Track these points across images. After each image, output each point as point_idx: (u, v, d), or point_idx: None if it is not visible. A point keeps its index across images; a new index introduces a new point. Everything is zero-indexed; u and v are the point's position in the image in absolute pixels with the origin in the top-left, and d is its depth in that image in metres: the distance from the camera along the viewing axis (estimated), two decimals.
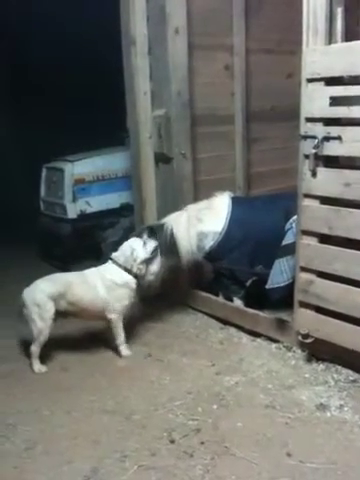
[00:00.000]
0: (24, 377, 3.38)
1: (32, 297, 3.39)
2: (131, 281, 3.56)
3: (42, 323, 3.36)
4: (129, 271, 3.55)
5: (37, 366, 3.42)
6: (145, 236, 3.67)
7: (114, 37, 4.22)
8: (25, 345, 3.63)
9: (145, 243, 3.62)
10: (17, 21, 7.46)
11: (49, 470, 2.49)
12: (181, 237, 3.83)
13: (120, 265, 3.56)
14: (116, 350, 3.59)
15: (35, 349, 3.41)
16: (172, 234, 3.81)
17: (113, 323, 3.56)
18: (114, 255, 3.63)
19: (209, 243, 3.86)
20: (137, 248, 3.58)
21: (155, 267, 3.70)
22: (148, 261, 3.64)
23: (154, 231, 3.75)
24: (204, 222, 3.88)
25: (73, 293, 3.45)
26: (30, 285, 3.48)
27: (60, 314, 3.46)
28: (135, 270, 3.55)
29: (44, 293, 3.38)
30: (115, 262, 3.59)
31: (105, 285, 3.51)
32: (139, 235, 3.72)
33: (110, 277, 3.53)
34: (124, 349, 3.58)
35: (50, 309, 3.37)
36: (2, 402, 3.10)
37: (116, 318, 3.55)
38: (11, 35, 7.81)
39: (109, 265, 3.61)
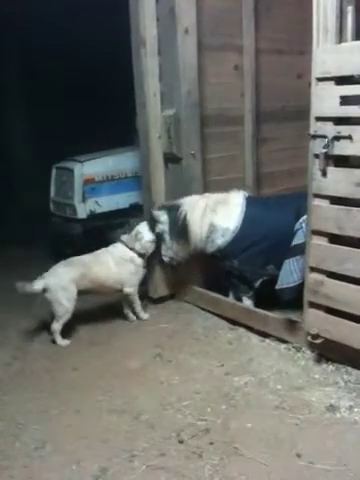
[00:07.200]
0: (33, 377, 3.39)
1: (58, 282, 3.75)
2: (135, 257, 4.03)
3: (68, 303, 3.76)
4: (132, 249, 4.03)
5: (61, 341, 3.75)
6: (159, 214, 4.03)
7: (126, 37, 4.22)
8: (35, 346, 3.65)
9: (153, 225, 4.04)
10: (27, 22, 7.51)
11: (58, 469, 2.50)
12: (194, 223, 3.89)
13: (126, 244, 4.05)
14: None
15: (57, 326, 3.75)
16: (185, 217, 3.89)
17: (130, 296, 4.07)
18: (122, 236, 4.14)
19: (219, 239, 3.86)
20: (142, 231, 4.04)
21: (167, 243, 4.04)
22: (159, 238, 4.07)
23: (168, 210, 4.00)
24: (218, 215, 3.89)
25: (92, 271, 3.89)
26: (50, 271, 3.81)
27: (79, 293, 3.81)
28: (137, 248, 4.02)
29: (68, 276, 3.78)
30: (122, 242, 4.10)
31: (115, 261, 3.99)
32: (153, 214, 4.06)
33: (118, 254, 4.03)
34: (143, 314, 4.13)
35: (74, 290, 3.78)
36: (12, 402, 3.12)
37: (131, 291, 4.05)
38: (22, 35, 7.86)
39: (117, 244, 4.12)
